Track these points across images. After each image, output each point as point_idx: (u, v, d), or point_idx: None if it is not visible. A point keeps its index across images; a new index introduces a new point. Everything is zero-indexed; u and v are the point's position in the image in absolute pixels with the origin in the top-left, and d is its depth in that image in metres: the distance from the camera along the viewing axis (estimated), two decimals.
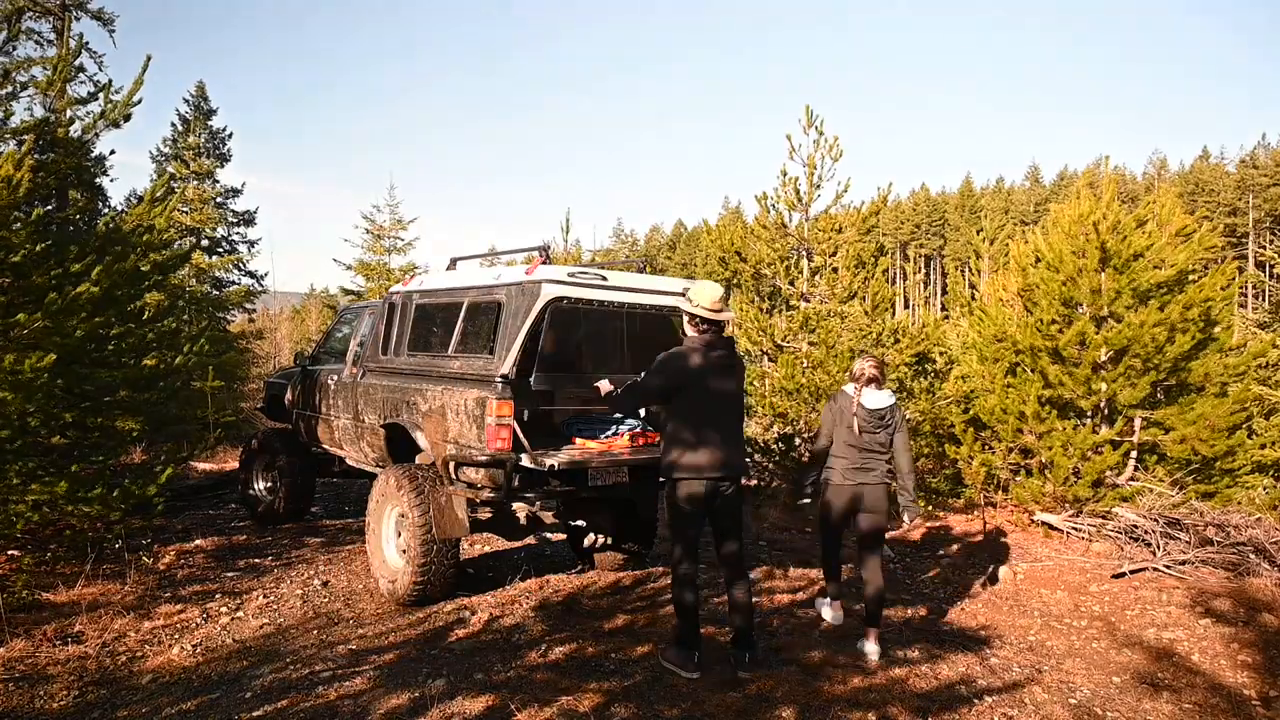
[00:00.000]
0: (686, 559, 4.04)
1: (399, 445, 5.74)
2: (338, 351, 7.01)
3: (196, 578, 5.75)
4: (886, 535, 5.40)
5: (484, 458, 4.66)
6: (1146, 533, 6.68)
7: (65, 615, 4.82)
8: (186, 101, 18.77)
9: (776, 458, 10.23)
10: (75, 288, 5.24)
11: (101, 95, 6.90)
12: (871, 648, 4.40)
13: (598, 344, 5.61)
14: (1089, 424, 7.66)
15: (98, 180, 10.79)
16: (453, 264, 6.12)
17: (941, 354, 12.57)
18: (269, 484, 7.50)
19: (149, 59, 6.69)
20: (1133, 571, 6.25)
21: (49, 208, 7.55)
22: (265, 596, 5.32)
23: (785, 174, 10.06)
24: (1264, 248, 50.81)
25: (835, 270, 10.16)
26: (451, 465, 4.94)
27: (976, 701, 3.86)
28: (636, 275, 5.39)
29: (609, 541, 6.10)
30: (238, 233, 19.02)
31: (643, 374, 4.19)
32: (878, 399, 4.67)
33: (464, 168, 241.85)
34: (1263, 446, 7.83)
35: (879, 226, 12.29)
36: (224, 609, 5.07)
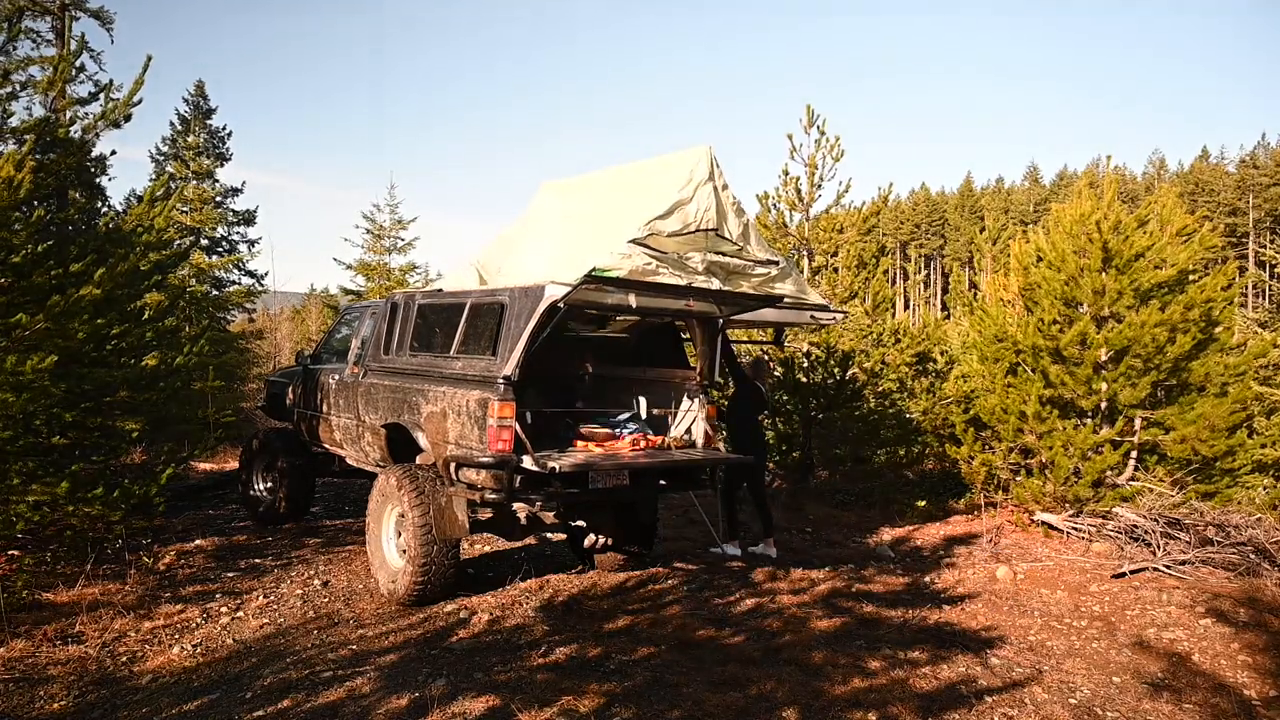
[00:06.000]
0: None
1: (400, 445, 5.74)
2: (339, 351, 7.00)
3: (197, 578, 5.75)
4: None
5: (486, 459, 4.65)
6: (1147, 533, 6.67)
7: (65, 615, 4.81)
8: (186, 100, 18.70)
9: (776, 457, 10.22)
10: (77, 289, 5.23)
11: (103, 95, 6.89)
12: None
13: (600, 346, 5.60)
14: (1090, 424, 7.65)
15: (98, 180, 10.76)
16: None
17: (942, 354, 12.58)
18: (269, 484, 7.49)
19: (149, 59, 6.65)
20: (1133, 571, 6.25)
21: (48, 204, 7.53)
22: (265, 596, 5.31)
23: (786, 173, 10.06)
24: (1264, 247, 50.74)
25: (836, 270, 10.16)
26: (452, 466, 4.93)
27: (977, 701, 3.86)
28: None
29: (609, 542, 6.09)
30: (238, 232, 18.94)
31: None
32: None
33: (466, 167, 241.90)
34: (1263, 446, 7.83)
35: (879, 226, 12.28)
36: (224, 609, 5.07)
